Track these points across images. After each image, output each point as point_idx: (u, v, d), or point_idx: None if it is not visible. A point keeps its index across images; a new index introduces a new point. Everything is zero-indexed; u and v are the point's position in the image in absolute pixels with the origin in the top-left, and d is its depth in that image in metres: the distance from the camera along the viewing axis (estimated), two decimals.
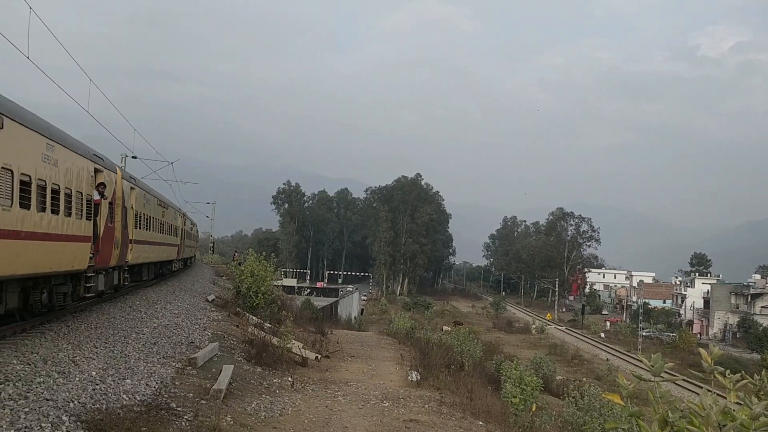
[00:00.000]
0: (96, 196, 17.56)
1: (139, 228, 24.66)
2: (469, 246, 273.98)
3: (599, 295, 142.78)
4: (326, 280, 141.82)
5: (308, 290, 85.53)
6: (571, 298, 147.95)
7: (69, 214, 15.03)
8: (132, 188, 23.38)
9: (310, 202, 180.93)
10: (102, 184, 18.12)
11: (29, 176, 12.50)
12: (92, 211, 17.19)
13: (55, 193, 14.07)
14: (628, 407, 3.66)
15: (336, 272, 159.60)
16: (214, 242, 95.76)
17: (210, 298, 27.40)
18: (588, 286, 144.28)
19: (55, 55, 23.96)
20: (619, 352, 67.53)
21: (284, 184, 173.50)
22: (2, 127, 11.35)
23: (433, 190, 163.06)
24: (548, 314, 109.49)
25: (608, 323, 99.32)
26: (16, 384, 9.16)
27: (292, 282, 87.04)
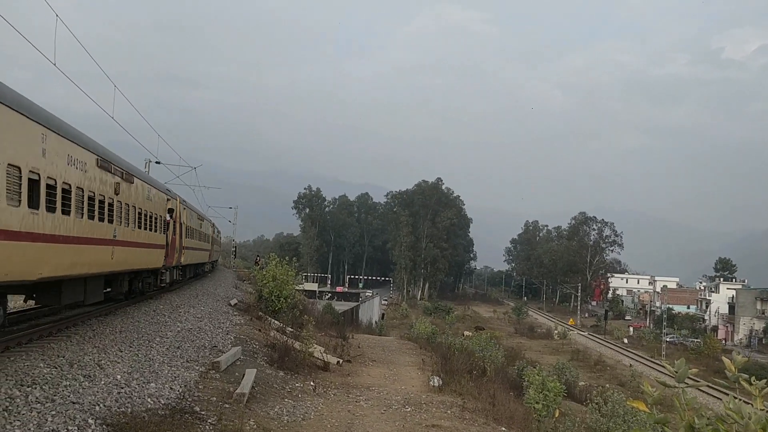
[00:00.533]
0: (168, 217, 25.64)
1: (188, 238, 31.97)
2: (491, 251, 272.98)
3: (622, 301, 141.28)
4: (347, 285, 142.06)
5: (329, 294, 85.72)
6: (594, 303, 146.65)
7: (156, 230, 23.28)
8: (184, 209, 30.77)
9: (331, 206, 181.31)
10: (171, 209, 26.49)
11: (141, 209, 20.95)
12: (165, 227, 25.16)
13: (152, 218, 22.61)
14: (654, 414, 3.62)
15: (357, 277, 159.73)
16: (236, 247, 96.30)
17: (233, 302, 27.58)
18: (611, 291, 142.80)
19: (81, 61, 24.31)
20: (642, 357, 66.82)
21: (305, 188, 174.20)
22: (133, 183, 20.12)
23: (454, 195, 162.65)
24: (570, 319, 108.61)
25: (631, 329, 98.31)
26: (43, 387, 9.29)
27: (313, 286, 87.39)
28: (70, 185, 13.63)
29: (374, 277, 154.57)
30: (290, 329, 23.66)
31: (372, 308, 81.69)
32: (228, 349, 16.15)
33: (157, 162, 41.06)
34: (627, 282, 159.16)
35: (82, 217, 14.54)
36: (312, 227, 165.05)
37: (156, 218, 23.04)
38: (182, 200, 30.44)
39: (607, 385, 40.81)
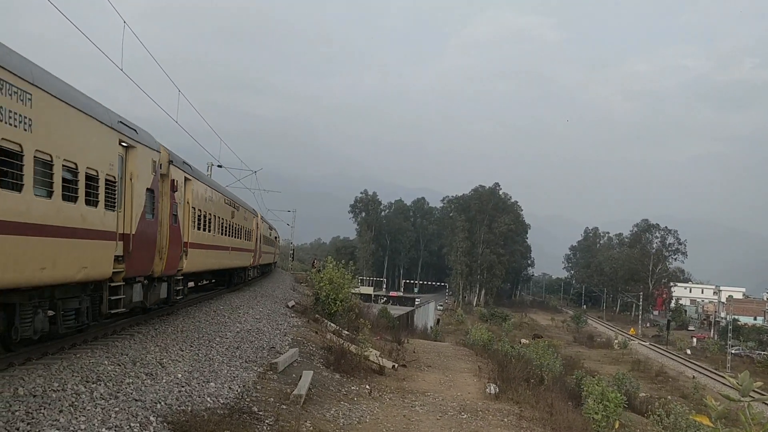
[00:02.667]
0: (253, 227, 33.80)
1: (263, 244, 38.66)
2: (549, 258, 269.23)
3: (685, 311, 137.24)
4: (402, 289, 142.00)
5: (384, 298, 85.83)
6: (656, 313, 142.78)
7: (249, 240, 32.64)
8: (262, 222, 38.63)
9: (387, 211, 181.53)
10: (256, 223, 35.67)
11: (242, 226, 29.66)
12: (254, 238, 34.70)
13: (247, 232, 31.70)
14: (719, 429, 3.49)
15: (412, 281, 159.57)
16: (294, 250, 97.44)
17: (290, 304, 27.88)
18: (674, 301, 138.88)
19: (147, 67, 24.97)
20: (706, 369, 64.72)
21: (361, 193, 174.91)
22: (238, 210, 28.68)
23: (512, 200, 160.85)
24: (631, 329, 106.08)
25: (695, 339, 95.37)
26: (107, 384, 9.54)
27: (368, 290, 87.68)
28: (221, 218, 24.62)
29: (429, 282, 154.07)
30: (346, 332, 23.78)
31: (427, 313, 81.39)
32: (285, 350, 16.31)
33: (219, 166, 41.90)
34: (690, 292, 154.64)
35: (222, 234, 24.62)
36: (368, 231, 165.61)
37: (248, 231, 32.02)
38: (262, 216, 39.20)
39: (669, 397, 39.77)
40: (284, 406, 11.29)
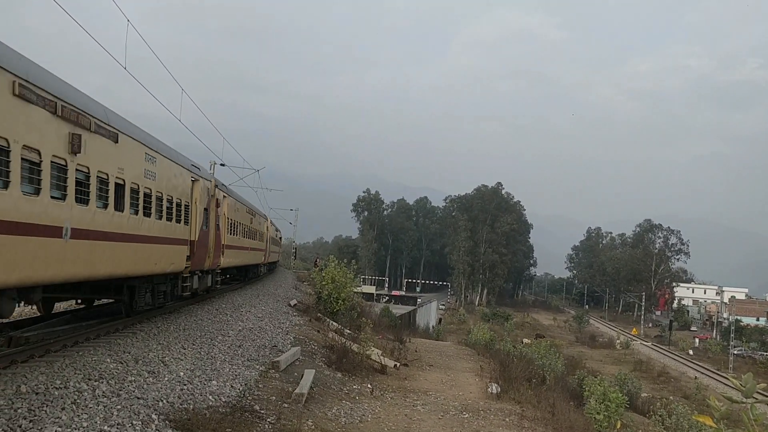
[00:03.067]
0: (264, 229, 38.25)
1: (272, 245, 45.36)
2: (551, 258, 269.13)
3: (688, 311, 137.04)
4: (404, 289, 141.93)
5: (386, 298, 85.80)
6: (658, 313, 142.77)
7: (262, 241, 38.48)
8: (271, 224, 46.34)
9: (390, 210, 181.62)
10: (266, 226, 40.57)
11: (257, 230, 35.99)
12: (265, 239, 39.76)
13: (260, 234, 37.94)
14: (721, 430, 3.48)
15: (414, 281, 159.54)
16: (296, 248, 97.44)
17: (292, 302, 27.88)
18: (676, 301, 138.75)
19: (150, 66, 25.00)
20: (708, 370, 64.66)
21: (364, 192, 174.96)
22: (255, 217, 35.19)
23: (514, 200, 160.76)
24: (634, 329, 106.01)
25: (697, 340, 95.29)
26: (110, 382, 9.55)
27: (370, 289, 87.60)
28: (244, 224, 30.25)
29: (432, 282, 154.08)
30: (348, 331, 23.78)
31: (429, 313, 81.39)
32: (287, 349, 16.31)
33: (221, 164, 41.89)
34: (693, 292, 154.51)
35: (244, 237, 30.50)
36: (370, 230, 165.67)
37: (261, 233, 37.43)
38: (271, 220, 45.63)
39: (671, 398, 39.75)
40: (286, 405, 11.30)
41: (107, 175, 11.96)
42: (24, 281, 9.49)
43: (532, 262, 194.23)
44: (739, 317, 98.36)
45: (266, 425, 9.84)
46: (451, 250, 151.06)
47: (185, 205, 17.80)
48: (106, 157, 11.98)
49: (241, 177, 46.31)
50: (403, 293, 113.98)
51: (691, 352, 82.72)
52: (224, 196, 24.34)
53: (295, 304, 27.53)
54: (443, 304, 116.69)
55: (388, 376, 17.82)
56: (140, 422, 8.19)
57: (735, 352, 72.88)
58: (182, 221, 17.41)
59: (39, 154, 9.44)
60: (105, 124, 11.84)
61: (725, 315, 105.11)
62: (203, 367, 12.16)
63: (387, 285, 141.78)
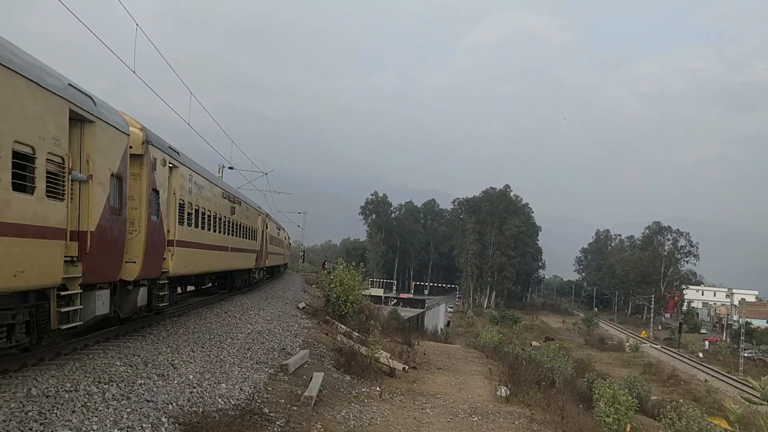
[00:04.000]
0: (257, 225, 33.21)
1: (271, 245, 40.79)
2: (560, 260, 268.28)
3: (697, 313, 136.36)
4: (412, 291, 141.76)
5: (395, 300, 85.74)
6: (668, 315, 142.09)
7: (254, 239, 31.43)
8: (283, 230, 51.88)
9: (398, 212, 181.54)
10: (263, 221, 35.36)
11: (274, 236, 42.54)
12: (259, 238, 33.58)
13: (282, 242, 48.98)
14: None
15: (422, 283, 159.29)
16: (304, 251, 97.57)
17: (301, 305, 27.90)
18: (685, 304, 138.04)
19: (159, 69, 25.10)
20: (718, 373, 64.25)
21: (372, 194, 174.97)
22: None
23: (522, 202, 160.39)
24: (643, 332, 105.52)
25: (707, 343, 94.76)
26: (119, 385, 9.57)
27: (379, 292, 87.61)
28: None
29: (440, 284, 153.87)
30: (357, 334, 23.77)
31: (437, 315, 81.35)
32: (296, 351, 16.33)
33: (230, 167, 42.02)
34: (703, 294, 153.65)
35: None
36: (378, 233, 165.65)
37: (253, 230, 31.43)
38: (268, 215, 41.84)
39: (681, 401, 39.44)
40: (295, 408, 11.30)
41: None
42: None
43: (540, 264, 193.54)
44: (749, 320, 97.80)
45: (275, 428, 9.85)
46: (459, 252, 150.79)
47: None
48: None
49: (250, 180, 46.45)
50: (412, 296, 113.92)
51: (701, 354, 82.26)
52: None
53: (304, 307, 27.54)
54: (451, 307, 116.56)
55: (396, 379, 17.81)
56: (150, 425, 8.22)
57: (745, 354, 72.43)
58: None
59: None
60: None
61: (735, 317, 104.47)
62: (212, 370, 12.18)
63: (395, 288, 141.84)
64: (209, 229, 20.47)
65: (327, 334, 21.93)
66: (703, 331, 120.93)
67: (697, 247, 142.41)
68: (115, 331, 13.71)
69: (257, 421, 9.89)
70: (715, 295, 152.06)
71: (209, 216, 20.44)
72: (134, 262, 13.08)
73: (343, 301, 27.74)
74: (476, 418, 13.88)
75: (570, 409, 17.55)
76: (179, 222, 16.61)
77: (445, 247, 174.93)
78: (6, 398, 8.01)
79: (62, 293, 10.11)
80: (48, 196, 9.13)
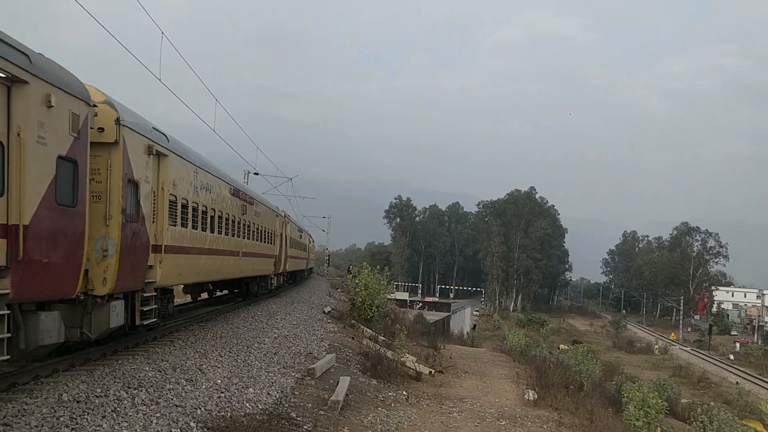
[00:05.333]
0: (276, 227, 31.86)
1: (292, 249, 38.66)
2: (587, 262, 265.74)
3: (727, 315, 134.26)
4: (438, 295, 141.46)
5: (420, 304, 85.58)
6: (697, 317, 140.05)
7: (272, 242, 29.54)
8: (287, 219, 36.34)
9: (422, 216, 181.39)
10: (282, 223, 33.63)
11: (297, 240, 41.60)
12: (278, 241, 31.57)
13: (305, 247, 49.04)
14: None
15: (447, 287, 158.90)
16: (329, 255, 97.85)
17: (326, 309, 27.96)
18: (715, 305, 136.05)
19: (184, 76, 25.32)
20: (750, 375, 63.19)
21: (396, 198, 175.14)
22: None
23: (548, 204, 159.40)
24: (672, 334, 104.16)
25: (738, 344, 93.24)
26: (149, 390, 9.66)
27: (404, 296, 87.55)
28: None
29: (465, 288, 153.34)
30: (382, 338, 23.74)
31: (463, 319, 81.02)
32: (323, 356, 16.35)
33: (255, 173, 42.30)
34: (733, 296, 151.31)
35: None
36: (403, 237, 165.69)
37: (270, 232, 28.64)
38: (288, 216, 38.65)
39: (712, 403, 38.85)
40: (322, 412, 11.31)
41: None
42: None
43: (567, 266, 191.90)
44: None
45: None
46: (484, 255, 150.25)
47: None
48: None
49: (275, 185, 46.70)
50: (437, 299, 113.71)
51: (731, 356, 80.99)
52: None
53: (329, 311, 27.60)
54: (477, 310, 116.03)
55: (423, 383, 17.74)
56: (179, 430, 8.28)
57: None
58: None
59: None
60: None
61: (767, 319, 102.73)
62: (240, 374, 12.25)
63: (420, 291, 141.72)
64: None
65: (353, 338, 21.94)
66: (733, 332, 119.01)
67: (727, 248, 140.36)
68: (144, 337, 13.84)
69: (285, 425, 9.91)
70: (745, 296, 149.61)
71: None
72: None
73: (369, 305, 27.74)
74: (504, 422, 13.78)
75: (599, 413, 17.36)
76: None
77: (470, 250, 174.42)
78: (38, 403, 8.13)
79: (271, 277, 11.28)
80: None
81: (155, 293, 13.30)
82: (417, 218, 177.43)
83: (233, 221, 20.31)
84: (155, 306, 13.36)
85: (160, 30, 17.71)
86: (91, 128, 10.03)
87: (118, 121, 10.96)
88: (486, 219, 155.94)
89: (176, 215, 14.37)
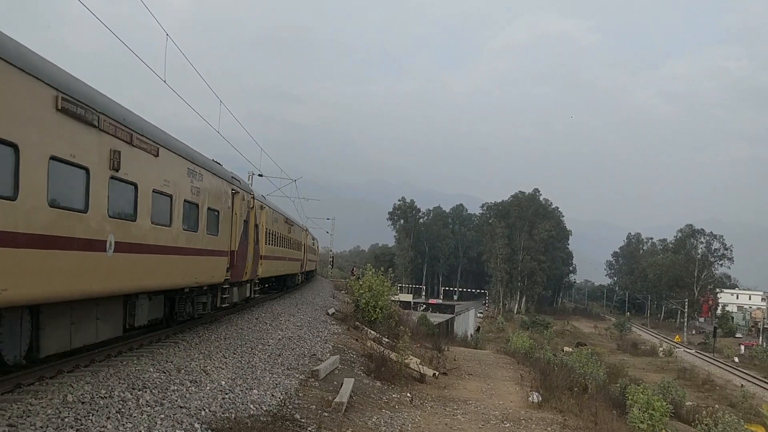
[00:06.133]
0: (301, 239, 41.12)
1: (309, 254, 49.15)
2: (591, 264, 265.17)
3: (732, 317, 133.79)
4: (441, 297, 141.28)
5: (423, 306, 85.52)
6: (702, 320, 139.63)
7: (299, 250, 40.27)
8: (308, 233, 49.22)
9: (426, 218, 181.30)
10: (304, 235, 41.39)
11: (303, 243, 43.81)
12: (302, 248, 42.29)
13: (313, 249, 57.67)
14: None
15: (451, 288, 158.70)
16: (333, 257, 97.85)
17: (330, 311, 27.98)
18: (720, 308, 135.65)
19: (189, 78, 25.38)
20: (755, 378, 62.95)
21: (399, 200, 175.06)
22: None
23: (552, 206, 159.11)
24: (677, 336, 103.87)
25: (743, 347, 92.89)
26: (153, 391, 9.67)
27: (407, 297, 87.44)
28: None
29: (469, 289, 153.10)
30: (386, 340, 23.74)
31: (467, 321, 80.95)
32: (326, 357, 16.35)
33: (259, 175, 42.34)
34: (738, 298, 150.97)
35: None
36: (406, 238, 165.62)
37: (299, 243, 39.87)
38: (307, 229, 48.80)
39: (717, 406, 38.74)
40: (326, 414, 11.31)
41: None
42: None
43: (571, 269, 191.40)
44: None
45: None
46: (488, 257, 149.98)
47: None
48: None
49: (279, 187, 46.77)
50: (441, 301, 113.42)
51: (736, 359, 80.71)
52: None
53: (333, 313, 27.61)
54: (481, 312, 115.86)
55: (427, 385, 17.74)
56: (183, 431, 8.28)
57: None
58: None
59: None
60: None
61: None
62: (244, 375, 12.26)
63: (424, 293, 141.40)
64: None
65: (357, 339, 21.95)
66: (738, 335, 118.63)
67: (731, 250, 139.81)
68: (148, 338, 13.89)
69: (289, 427, 9.91)
70: (750, 299, 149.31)
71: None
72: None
73: (373, 306, 27.76)
74: (508, 425, 13.77)
75: (603, 415, 17.33)
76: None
77: (474, 252, 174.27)
78: (43, 404, 8.15)
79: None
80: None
81: (258, 281, 25.02)
82: (421, 220, 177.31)
83: (284, 238, 32.10)
84: (257, 288, 25.42)
85: (165, 32, 17.74)
86: (250, 208, 21.49)
87: (253, 199, 22.44)
88: (490, 221, 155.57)
89: (267, 238, 25.63)
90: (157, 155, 12.07)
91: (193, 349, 13.51)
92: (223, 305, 19.03)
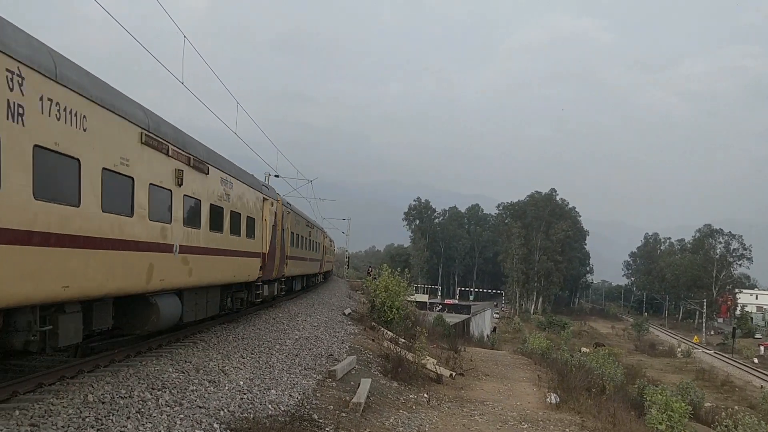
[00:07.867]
0: (321, 240, 42.50)
1: (327, 254, 49.92)
2: (608, 265, 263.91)
3: (751, 318, 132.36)
4: (457, 297, 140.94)
5: (439, 306, 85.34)
6: (720, 320, 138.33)
7: (318, 251, 40.99)
8: (326, 235, 50.68)
9: (441, 218, 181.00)
10: (323, 237, 42.42)
11: (320, 243, 42.74)
12: (321, 250, 43.19)
13: (329, 251, 56.62)
14: None
15: (467, 289, 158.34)
16: (349, 257, 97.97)
17: (346, 311, 28.00)
18: (739, 308, 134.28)
19: (206, 79, 25.51)
20: None
21: (415, 200, 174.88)
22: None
23: (569, 206, 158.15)
24: (695, 337, 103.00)
25: (762, 348, 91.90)
26: (172, 391, 9.74)
27: (423, 298, 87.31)
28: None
29: (485, 290, 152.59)
30: (403, 340, 23.73)
31: (483, 321, 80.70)
32: (343, 358, 16.38)
33: (276, 176, 42.47)
34: (757, 298, 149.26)
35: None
36: (422, 239, 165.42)
37: (318, 244, 40.91)
38: (324, 230, 48.91)
39: (736, 407, 38.37)
40: (344, 414, 11.32)
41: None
42: None
43: (588, 269, 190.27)
44: None
45: None
46: (504, 257, 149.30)
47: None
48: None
49: (295, 188, 46.92)
50: (457, 302, 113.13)
51: (756, 360, 79.88)
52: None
53: (350, 313, 27.64)
54: (497, 313, 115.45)
55: (444, 386, 17.72)
56: (202, 431, 8.33)
57: None
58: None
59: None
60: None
61: None
62: (262, 376, 12.30)
63: (440, 293, 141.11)
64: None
65: (373, 340, 21.95)
66: (757, 335, 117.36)
67: (750, 250, 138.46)
68: (167, 338, 13.99)
69: (307, 427, 9.93)
70: None
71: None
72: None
73: (389, 307, 27.75)
74: (526, 426, 13.71)
75: (621, 416, 17.22)
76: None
77: (490, 253, 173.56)
78: (64, 404, 8.23)
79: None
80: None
81: (284, 279, 26.80)
82: (436, 220, 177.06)
83: (306, 239, 33.47)
84: (284, 286, 27.09)
85: (183, 34, 17.85)
86: (277, 212, 23.09)
87: (281, 204, 24.23)
88: (506, 221, 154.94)
89: (291, 240, 27.12)
90: (207, 173, 14.56)
91: (211, 349, 13.58)
92: (257, 300, 21.25)
